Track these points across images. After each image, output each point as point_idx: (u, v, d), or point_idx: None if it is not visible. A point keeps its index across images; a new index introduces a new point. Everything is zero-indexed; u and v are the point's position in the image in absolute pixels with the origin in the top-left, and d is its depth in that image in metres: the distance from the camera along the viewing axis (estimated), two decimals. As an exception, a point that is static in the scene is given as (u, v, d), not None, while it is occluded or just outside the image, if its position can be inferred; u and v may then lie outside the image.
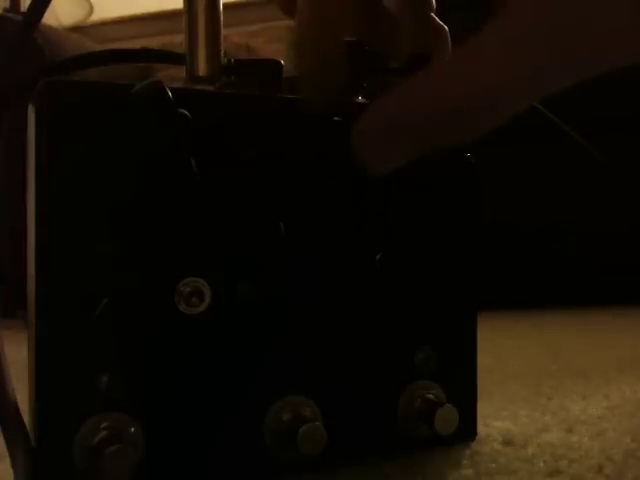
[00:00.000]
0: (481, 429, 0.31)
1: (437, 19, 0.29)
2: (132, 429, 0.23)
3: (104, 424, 0.23)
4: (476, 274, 0.30)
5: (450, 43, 0.29)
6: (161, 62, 0.30)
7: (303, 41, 0.25)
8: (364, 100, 0.28)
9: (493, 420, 0.34)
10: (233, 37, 1.57)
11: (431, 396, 0.28)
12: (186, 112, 0.24)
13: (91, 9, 2.08)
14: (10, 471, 0.23)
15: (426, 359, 0.29)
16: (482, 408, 0.31)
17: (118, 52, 0.30)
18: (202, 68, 0.27)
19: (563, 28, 0.22)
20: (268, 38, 1.55)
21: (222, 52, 0.27)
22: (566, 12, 0.22)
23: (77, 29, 1.97)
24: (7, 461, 0.23)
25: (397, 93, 0.24)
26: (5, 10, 1.68)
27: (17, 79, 0.27)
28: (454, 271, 0.30)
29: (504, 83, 0.22)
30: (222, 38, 0.27)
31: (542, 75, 0.22)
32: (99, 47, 1.52)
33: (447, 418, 0.27)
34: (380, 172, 0.25)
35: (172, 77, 0.28)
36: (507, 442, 0.30)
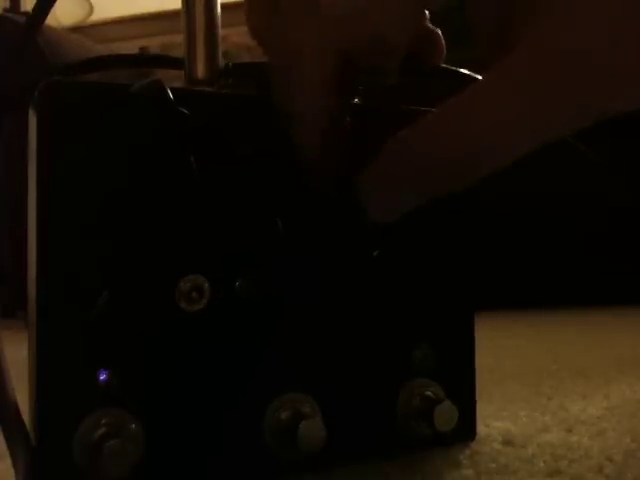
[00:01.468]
0: (481, 429, 0.31)
1: (430, 25, 0.29)
2: (132, 425, 0.24)
3: (104, 421, 0.23)
4: (473, 271, 0.30)
5: (444, 48, 0.29)
6: (165, 67, 0.30)
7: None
8: (360, 102, 0.28)
9: (493, 420, 0.34)
10: (233, 37, 1.57)
11: (430, 393, 0.28)
12: (185, 110, 0.24)
13: (91, 9, 2.09)
14: (11, 470, 0.23)
15: (424, 357, 0.29)
16: (482, 408, 0.31)
17: (122, 57, 0.30)
18: (201, 71, 0.27)
19: (560, 83, 0.22)
20: (268, 38, 1.55)
21: (220, 55, 0.28)
22: (563, 66, 0.22)
23: (77, 29, 1.97)
24: (8, 461, 0.23)
25: (396, 147, 0.24)
26: (5, 10, 1.69)
27: (20, 81, 0.27)
28: (451, 268, 0.30)
29: (497, 139, 0.23)
30: (220, 41, 0.28)
31: (539, 128, 0.23)
32: (99, 47, 1.52)
33: (446, 415, 0.27)
34: (382, 220, 0.26)
35: (170, 77, 0.28)
36: (507, 442, 0.30)
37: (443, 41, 0.29)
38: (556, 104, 0.22)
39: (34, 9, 0.26)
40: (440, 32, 0.29)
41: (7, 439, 0.23)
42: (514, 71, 0.22)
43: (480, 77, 0.26)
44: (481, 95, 0.23)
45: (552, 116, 0.22)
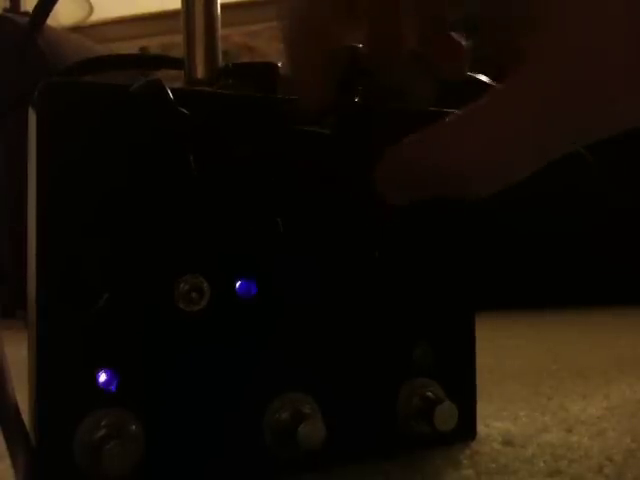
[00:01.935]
0: (481, 429, 0.31)
1: (456, 37, 0.29)
2: (132, 426, 0.24)
3: (104, 421, 0.23)
4: (473, 270, 0.30)
5: (464, 54, 0.29)
6: (165, 68, 0.30)
7: (293, 47, 0.25)
8: (360, 101, 0.28)
9: (493, 420, 0.34)
10: (234, 37, 1.57)
11: (430, 394, 0.28)
12: (184, 110, 0.24)
13: (91, 9, 2.08)
14: (11, 470, 0.23)
15: (424, 356, 0.29)
16: (482, 408, 0.31)
17: (124, 57, 0.30)
18: (200, 71, 0.27)
19: (561, 102, 0.22)
20: (269, 38, 1.55)
21: (220, 55, 0.28)
22: (564, 85, 0.22)
23: (77, 29, 1.97)
24: (8, 461, 0.23)
25: (395, 151, 0.25)
26: (5, 10, 1.68)
27: (21, 82, 0.27)
28: (451, 267, 0.30)
29: (496, 160, 0.23)
30: (219, 42, 0.28)
31: (543, 151, 0.24)
32: (99, 47, 1.52)
33: (446, 415, 0.27)
34: (397, 203, 0.27)
35: (170, 77, 0.28)
36: (507, 442, 0.30)
37: (464, 47, 0.29)
38: (557, 113, 0.22)
39: (35, 10, 0.26)
40: (465, 44, 0.29)
41: (7, 439, 0.23)
42: (513, 78, 0.23)
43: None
44: (478, 111, 0.24)
45: (553, 124, 0.23)
